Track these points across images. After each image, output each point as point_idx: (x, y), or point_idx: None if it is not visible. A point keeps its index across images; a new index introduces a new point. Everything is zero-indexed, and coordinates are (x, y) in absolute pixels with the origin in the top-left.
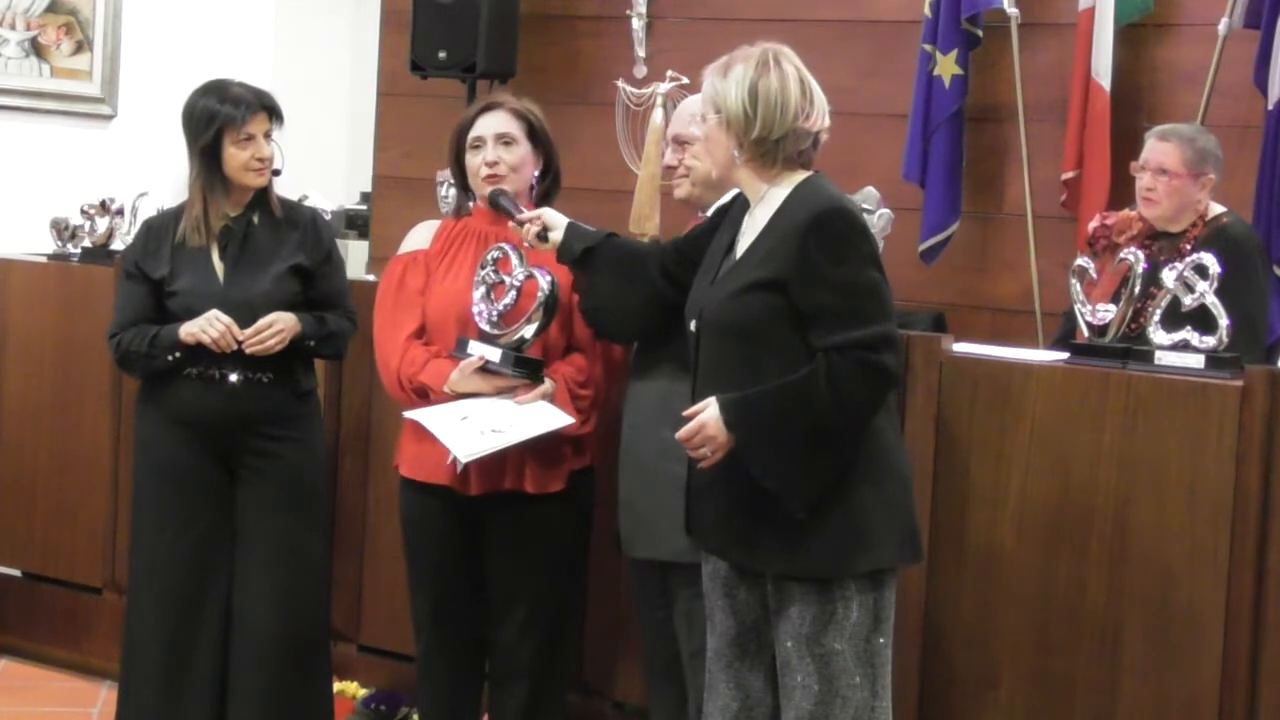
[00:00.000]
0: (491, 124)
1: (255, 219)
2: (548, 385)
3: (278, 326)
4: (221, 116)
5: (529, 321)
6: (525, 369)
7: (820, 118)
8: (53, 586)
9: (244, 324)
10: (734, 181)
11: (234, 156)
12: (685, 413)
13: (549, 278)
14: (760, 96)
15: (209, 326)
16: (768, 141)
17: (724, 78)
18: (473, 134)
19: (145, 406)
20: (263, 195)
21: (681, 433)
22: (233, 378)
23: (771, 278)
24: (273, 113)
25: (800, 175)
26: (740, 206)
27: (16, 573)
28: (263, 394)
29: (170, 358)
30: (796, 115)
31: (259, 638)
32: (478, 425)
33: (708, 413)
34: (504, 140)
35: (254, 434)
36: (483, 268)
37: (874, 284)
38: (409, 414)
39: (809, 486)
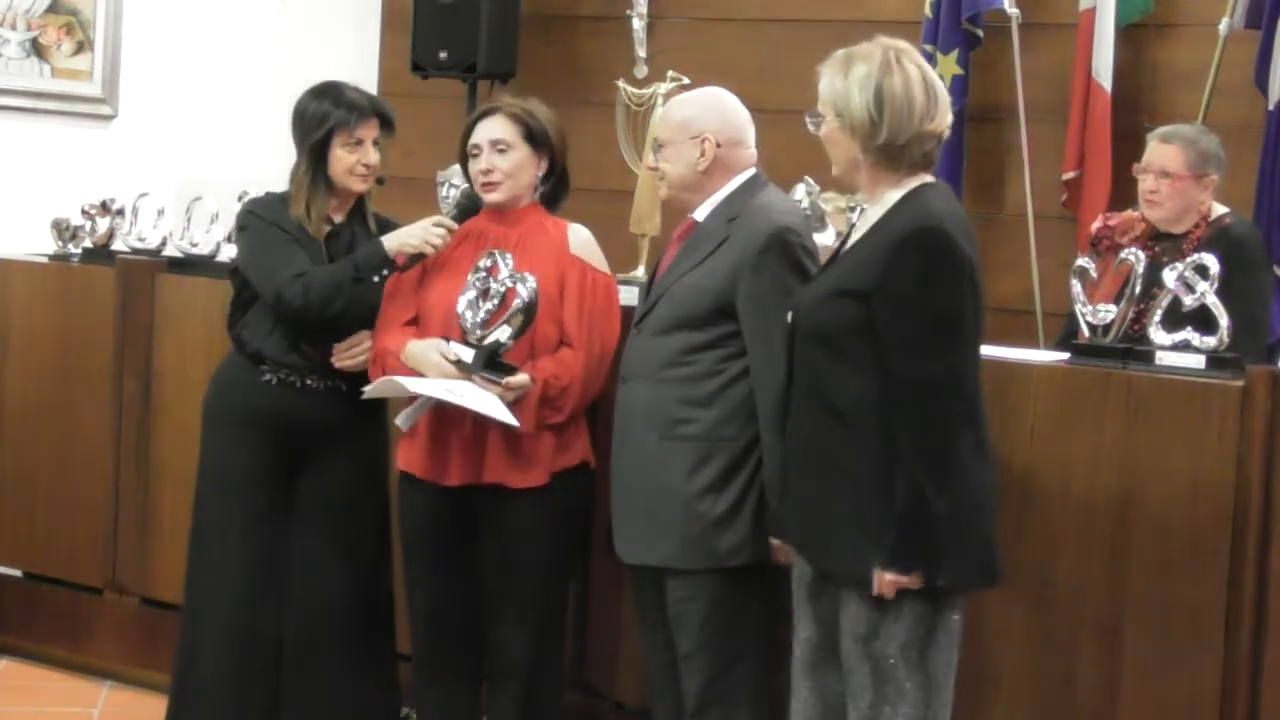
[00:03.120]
0: (486, 130)
1: (356, 230)
2: (523, 379)
3: (367, 343)
4: (335, 119)
5: (505, 324)
6: (496, 371)
7: (944, 117)
8: (53, 586)
9: (361, 321)
10: (855, 183)
11: (341, 159)
12: (875, 592)
13: (530, 284)
14: (886, 100)
15: (431, 237)
16: (894, 146)
17: (845, 78)
18: (470, 142)
19: (219, 411)
20: (361, 205)
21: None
22: (314, 385)
23: (857, 288)
24: (384, 120)
25: (917, 180)
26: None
27: (16, 573)
28: (339, 401)
29: (377, 277)
30: (922, 118)
31: (316, 642)
32: (433, 380)
33: (886, 583)
34: (498, 147)
35: (326, 440)
36: (474, 273)
37: (954, 314)
38: (370, 392)
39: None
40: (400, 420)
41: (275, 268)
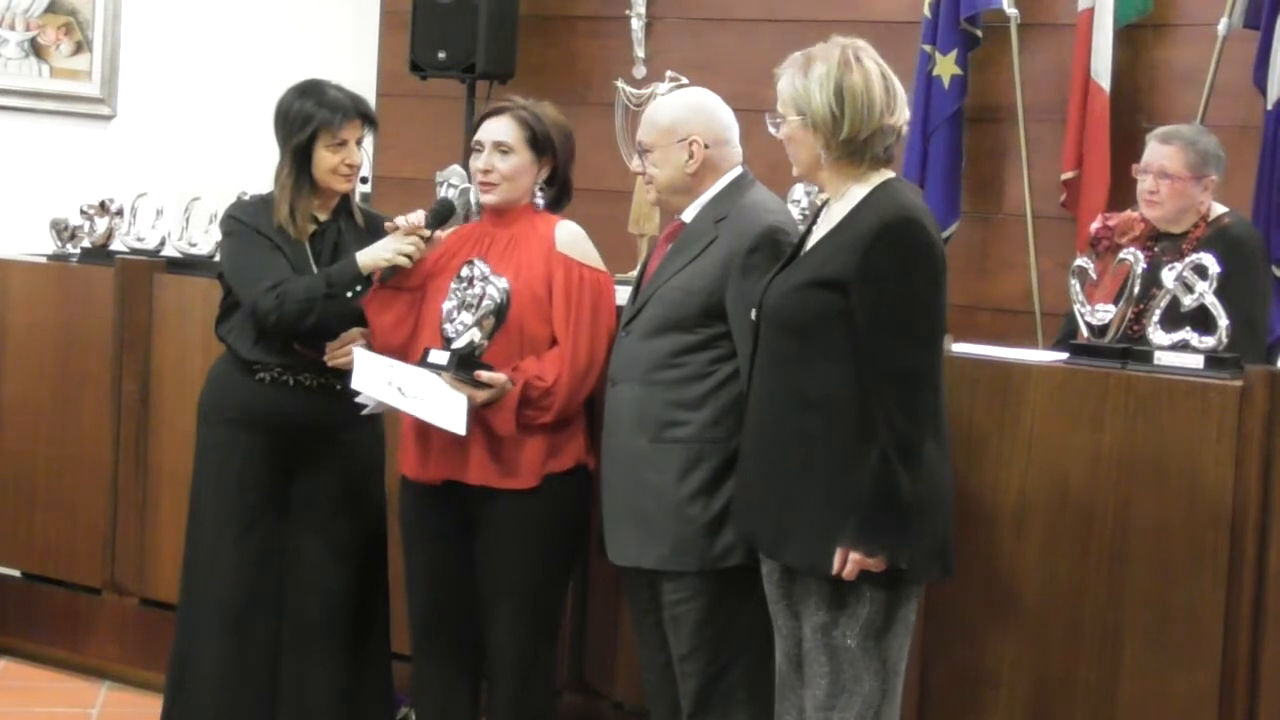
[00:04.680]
0: (492, 129)
1: (343, 226)
2: (498, 376)
3: (361, 342)
4: (318, 119)
5: (477, 327)
6: (467, 369)
7: (902, 112)
8: (53, 586)
9: (340, 328)
10: (818, 180)
11: (324, 159)
12: (835, 571)
13: (502, 286)
14: (846, 96)
15: (403, 247)
16: (855, 141)
17: (805, 77)
18: (475, 137)
19: (213, 409)
20: (346, 202)
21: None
22: (308, 382)
23: (832, 277)
24: (367, 120)
25: (881, 176)
26: (823, 203)
27: (16, 573)
28: (334, 399)
29: (350, 293)
30: (882, 113)
31: (311, 640)
32: (390, 377)
33: (852, 563)
34: (500, 148)
35: (320, 438)
36: (456, 282)
37: (930, 304)
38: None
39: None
40: (361, 399)
41: (253, 277)
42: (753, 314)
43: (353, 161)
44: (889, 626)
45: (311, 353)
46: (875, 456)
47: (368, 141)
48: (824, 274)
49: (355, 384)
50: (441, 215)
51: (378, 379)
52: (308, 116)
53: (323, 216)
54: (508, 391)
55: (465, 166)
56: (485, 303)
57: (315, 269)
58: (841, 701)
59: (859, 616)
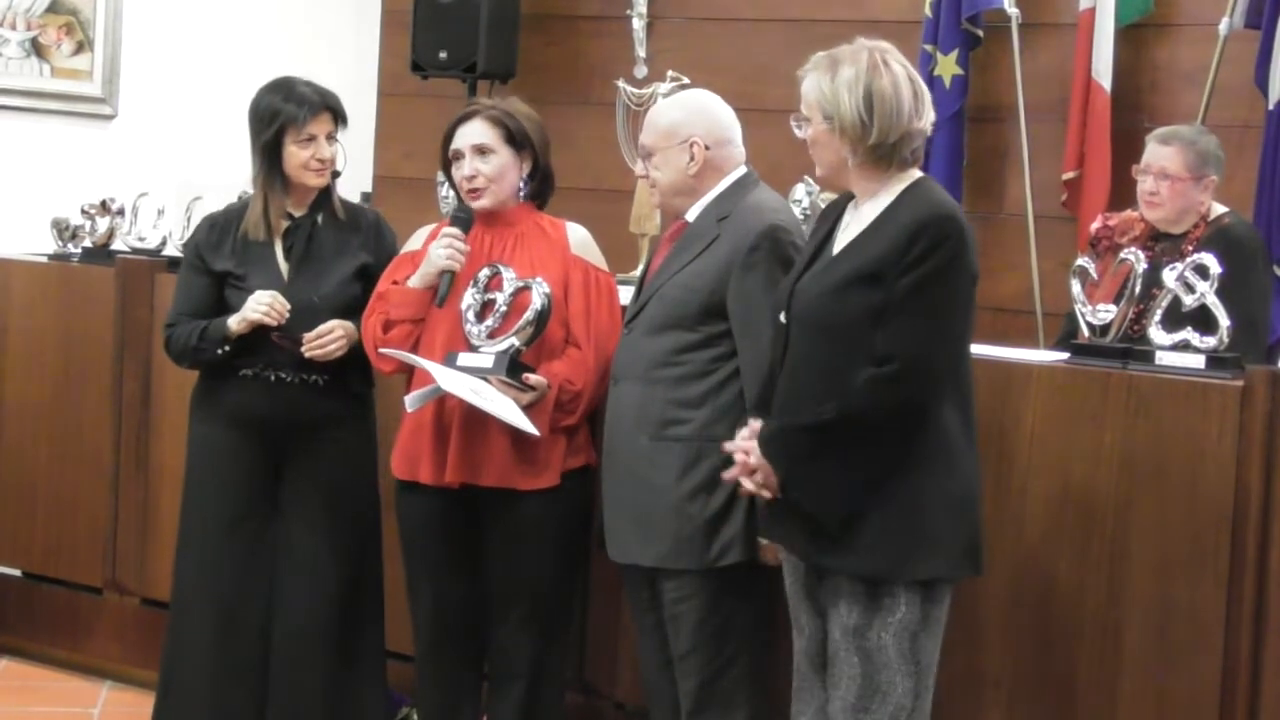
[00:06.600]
0: (467, 135)
1: (319, 219)
2: (542, 380)
3: (338, 333)
4: (284, 115)
5: (517, 334)
6: (515, 373)
7: (929, 114)
8: (53, 586)
9: (305, 323)
10: (844, 183)
11: (293, 155)
12: (727, 446)
13: (545, 290)
14: (875, 101)
15: (255, 307)
16: (884, 146)
17: (832, 80)
18: (452, 147)
19: (200, 405)
20: (325, 196)
21: (729, 474)
22: (288, 379)
23: (872, 271)
24: (336, 114)
25: (910, 177)
26: (834, 204)
27: (16, 573)
28: (317, 396)
29: (219, 351)
30: (910, 117)
31: (300, 639)
32: (462, 380)
33: (741, 450)
34: (480, 152)
35: (305, 435)
36: (473, 285)
37: (964, 300)
38: (387, 350)
39: (843, 505)
40: (409, 401)
41: (171, 307)
42: (781, 317)
43: (322, 156)
44: (924, 627)
45: (288, 344)
46: (881, 455)
47: (366, 142)
48: (864, 270)
49: (443, 386)
50: (467, 224)
51: (457, 381)
52: (274, 113)
53: (297, 213)
54: (545, 395)
55: (448, 177)
56: (528, 313)
57: (284, 266)
58: (875, 704)
59: (894, 618)
